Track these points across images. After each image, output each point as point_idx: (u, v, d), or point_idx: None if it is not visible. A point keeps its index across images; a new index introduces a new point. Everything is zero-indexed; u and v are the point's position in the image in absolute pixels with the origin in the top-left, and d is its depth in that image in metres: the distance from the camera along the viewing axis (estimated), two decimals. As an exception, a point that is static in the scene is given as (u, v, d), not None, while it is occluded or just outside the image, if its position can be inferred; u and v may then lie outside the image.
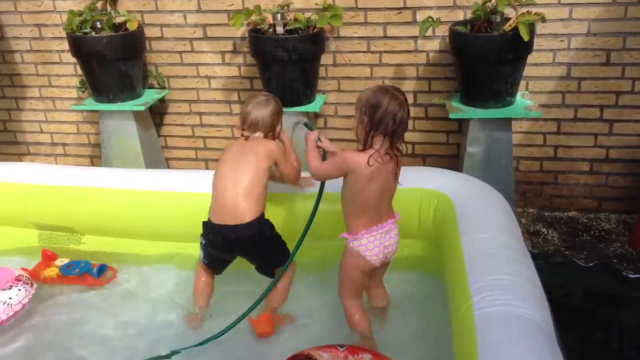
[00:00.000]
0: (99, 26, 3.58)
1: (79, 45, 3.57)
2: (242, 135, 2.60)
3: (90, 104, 3.76)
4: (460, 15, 3.49)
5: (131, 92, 3.71)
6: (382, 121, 2.19)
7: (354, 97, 3.75)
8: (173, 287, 2.89)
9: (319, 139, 2.48)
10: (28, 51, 4.09)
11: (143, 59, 3.82)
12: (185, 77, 3.98)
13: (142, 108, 3.65)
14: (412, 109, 3.80)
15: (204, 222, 2.55)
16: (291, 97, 3.51)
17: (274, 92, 3.50)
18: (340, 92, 3.85)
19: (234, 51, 3.85)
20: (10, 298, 2.59)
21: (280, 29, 3.42)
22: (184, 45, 3.89)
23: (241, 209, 2.44)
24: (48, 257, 3.05)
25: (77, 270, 2.94)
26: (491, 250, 2.31)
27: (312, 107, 3.59)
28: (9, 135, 4.38)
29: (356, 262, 2.37)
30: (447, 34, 3.38)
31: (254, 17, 3.45)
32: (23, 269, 2.91)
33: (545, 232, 3.55)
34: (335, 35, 3.69)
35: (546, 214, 3.75)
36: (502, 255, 2.27)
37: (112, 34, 3.57)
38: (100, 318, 2.71)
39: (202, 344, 2.39)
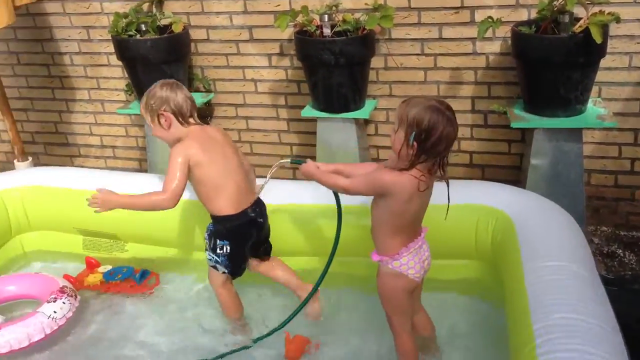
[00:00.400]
0: (144, 29, 3.50)
1: (124, 48, 3.50)
2: (194, 124, 2.47)
3: (136, 107, 3.69)
4: (523, 15, 3.19)
5: (176, 96, 3.61)
6: (434, 148, 1.96)
7: None
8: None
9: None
10: (77, 53, 4.08)
11: (188, 62, 3.72)
12: (231, 80, 3.86)
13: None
14: (469, 115, 3.55)
15: (224, 218, 2.44)
16: (339, 103, 3.32)
17: (320, 98, 3.37)
18: (391, 97, 3.62)
19: (281, 54, 3.68)
20: (55, 312, 2.51)
21: (327, 31, 3.23)
22: (230, 47, 3.76)
23: (252, 185, 2.56)
24: (92, 265, 3.01)
25: (119, 275, 2.90)
26: (559, 281, 2.05)
27: (361, 113, 3.38)
28: (60, 137, 4.40)
29: (400, 283, 2.16)
30: (509, 36, 3.09)
31: (300, 19, 3.27)
32: (66, 276, 2.88)
33: (621, 254, 3.20)
34: (387, 37, 3.46)
35: (622, 233, 3.39)
36: (572, 289, 2.01)
37: (156, 36, 3.49)
38: (146, 325, 2.65)
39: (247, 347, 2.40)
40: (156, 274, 2.92)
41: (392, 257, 2.13)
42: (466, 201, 2.64)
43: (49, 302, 2.55)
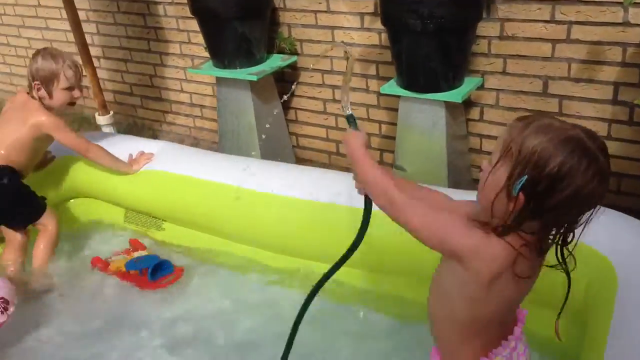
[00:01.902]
0: (218, -22, 3.08)
1: (194, 1, 3.12)
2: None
3: (209, 68, 3.33)
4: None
5: (249, 58, 3.18)
6: (558, 212, 1.19)
7: (525, 84, 2.77)
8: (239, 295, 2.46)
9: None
10: (170, 3, 3.80)
11: (267, 20, 3.24)
12: (319, 42, 3.32)
13: (255, 78, 3.10)
14: (609, 107, 2.67)
15: None
16: (425, 80, 2.65)
17: (403, 72, 2.72)
18: (505, 75, 2.84)
19: (375, 13, 3.04)
20: None
21: (417, -13, 2.54)
22: (320, 3, 3.21)
23: None
24: (134, 247, 2.76)
25: (137, 265, 2.61)
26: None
27: (453, 95, 2.66)
28: (154, 91, 4.23)
29: None
30: (672, 1, 2.17)
31: (388, -30, 2.61)
32: (96, 258, 2.68)
33: None
34: (505, -3, 2.67)
35: None
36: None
37: (226, -13, 3.04)
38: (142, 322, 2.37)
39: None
40: (180, 269, 2.60)
41: None
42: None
43: None
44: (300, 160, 3.69)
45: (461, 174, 2.95)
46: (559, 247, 1.24)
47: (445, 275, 1.33)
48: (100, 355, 2.24)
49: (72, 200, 3.05)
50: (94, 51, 4.28)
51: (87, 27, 4.18)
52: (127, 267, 2.60)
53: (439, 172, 2.81)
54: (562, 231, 1.23)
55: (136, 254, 2.69)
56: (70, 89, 2.51)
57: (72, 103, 2.58)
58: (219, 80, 3.33)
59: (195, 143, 4.12)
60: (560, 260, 1.26)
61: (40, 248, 2.56)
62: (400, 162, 2.94)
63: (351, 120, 1.48)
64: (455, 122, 2.82)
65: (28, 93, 2.55)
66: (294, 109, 3.60)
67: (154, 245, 2.80)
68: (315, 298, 1.67)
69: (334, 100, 3.42)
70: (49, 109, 2.52)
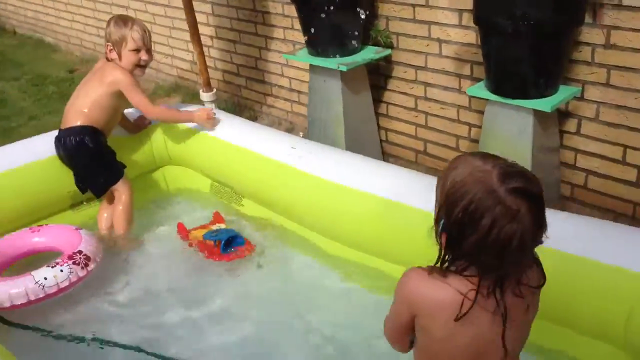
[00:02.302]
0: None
1: (292, -13, 3.17)
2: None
3: (303, 54, 3.38)
4: None
5: (342, 48, 3.18)
6: (476, 253, 1.16)
7: (629, 99, 2.56)
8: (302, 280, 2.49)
9: None
10: (277, -12, 3.90)
11: (362, 10, 3.21)
12: (415, 37, 3.24)
13: (345, 68, 3.10)
14: None
15: None
16: (513, 85, 2.52)
17: (492, 73, 2.61)
18: (608, 88, 2.62)
19: (474, 10, 2.92)
20: (45, 279, 2.25)
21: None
22: (419, -3, 3.14)
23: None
24: (216, 220, 2.87)
25: (213, 236, 2.70)
26: None
27: (542, 103, 2.49)
28: (258, 74, 4.36)
29: None
30: None
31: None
32: (180, 224, 2.82)
33: None
34: (614, 2, 2.44)
35: None
36: None
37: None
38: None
39: None
40: (251, 246, 2.67)
41: None
42: (617, 262, 1.75)
43: (48, 266, 2.32)
44: (386, 156, 3.65)
45: (547, 189, 2.74)
46: (497, 291, 1.17)
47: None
48: (163, 316, 2.36)
49: (164, 167, 3.23)
50: (208, 31, 4.52)
51: (203, 7, 4.42)
52: (205, 237, 2.71)
53: (520, 184, 2.65)
54: (498, 275, 1.16)
55: (214, 227, 2.81)
56: (137, 50, 2.68)
57: (141, 66, 2.73)
58: (312, 68, 3.37)
59: (290, 128, 4.22)
60: (498, 304, 1.19)
61: (118, 214, 2.75)
62: (480, 168, 2.81)
63: None
64: (545, 133, 2.64)
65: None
66: (386, 103, 3.56)
67: (233, 218, 2.89)
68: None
69: (426, 98, 3.34)
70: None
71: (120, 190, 2.75)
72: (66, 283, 2.27)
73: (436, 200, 1.22)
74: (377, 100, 3.55)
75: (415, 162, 3.54)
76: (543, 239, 1.15)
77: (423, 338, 1.28)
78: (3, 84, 5.63)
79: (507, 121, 2.61)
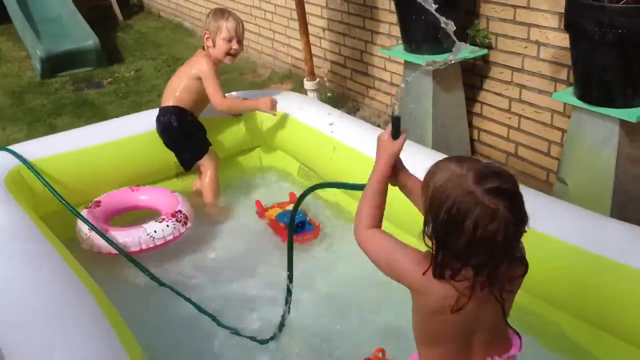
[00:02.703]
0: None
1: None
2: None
3: (399, 50, 3.47)
4: None
5: (437, 45, 3.23)
6: (466, 253, 1.21)
7: None
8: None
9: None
10: (386, -15, 4.00)
11: (461, 9, 3.23)
12: (513, 38, 3.21)
13: (430, 67, 3.15)
14: None
15: None
16: (599, 93, 2.46)
17: (580, 79, 2.57)
18: None
19: (575, 14, 2.84)
20: (155, 231, 2.57)
21: (610, -8, 2.33)
22: (521, -2, 3.10)
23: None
24: (291, 201, 3.07)
25: (285, 217, 2.88)
26: None
27: (628, 113, 2.41)
28: (363, 66, 4.50)
29: None
30: None
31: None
32: (258, 201, 3.04)
33: None
34: None
35: None
36: None
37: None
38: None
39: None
40: (317, 231, 2.82)
41: None
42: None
43: (156, 221, 2.63)
44: (476, 155, 3.65)
45: (631, 203, 2.66)
46: (492, 285, 1.23)
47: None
48: (229, 287, 2.56)
49: (258, 148, 3.47)
50: (320, 22, 4.73)
51: (317, 0, 4.63)
52: (278, 218, 2.92)
53: (602, 195, 2.58)
54: (487, 273, 1.21)
55: (289, 207, 3.01)
56: (229, 40, 2.92)
57: (231, 54, 2.97)
58: (406, 64, 3.45)
59: (388, 121, 4.31)
60: (496, 296, 1.25)
61: (205, 186, 3.03)
62: (562, 174, 2.76)
63: (396, 124, 1.49)
64: (632, 144, 2.54)
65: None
66: (480, 102, 3.55)
67: (309, 202, 3.01)
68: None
69: (520, 100, 3.30)
70: (213, 59, 2.95)
71: (206, 165, 3.02)
72: (170, 237, 2.61)
73: (423, 205, 1.29)
74: (471, 99, 3.55)
75: (505, 164, 3.51)
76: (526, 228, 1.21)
77: (419, 309, 1.37)
78: (142, 62, 6.22)
79: (592, 128, 2.55)
